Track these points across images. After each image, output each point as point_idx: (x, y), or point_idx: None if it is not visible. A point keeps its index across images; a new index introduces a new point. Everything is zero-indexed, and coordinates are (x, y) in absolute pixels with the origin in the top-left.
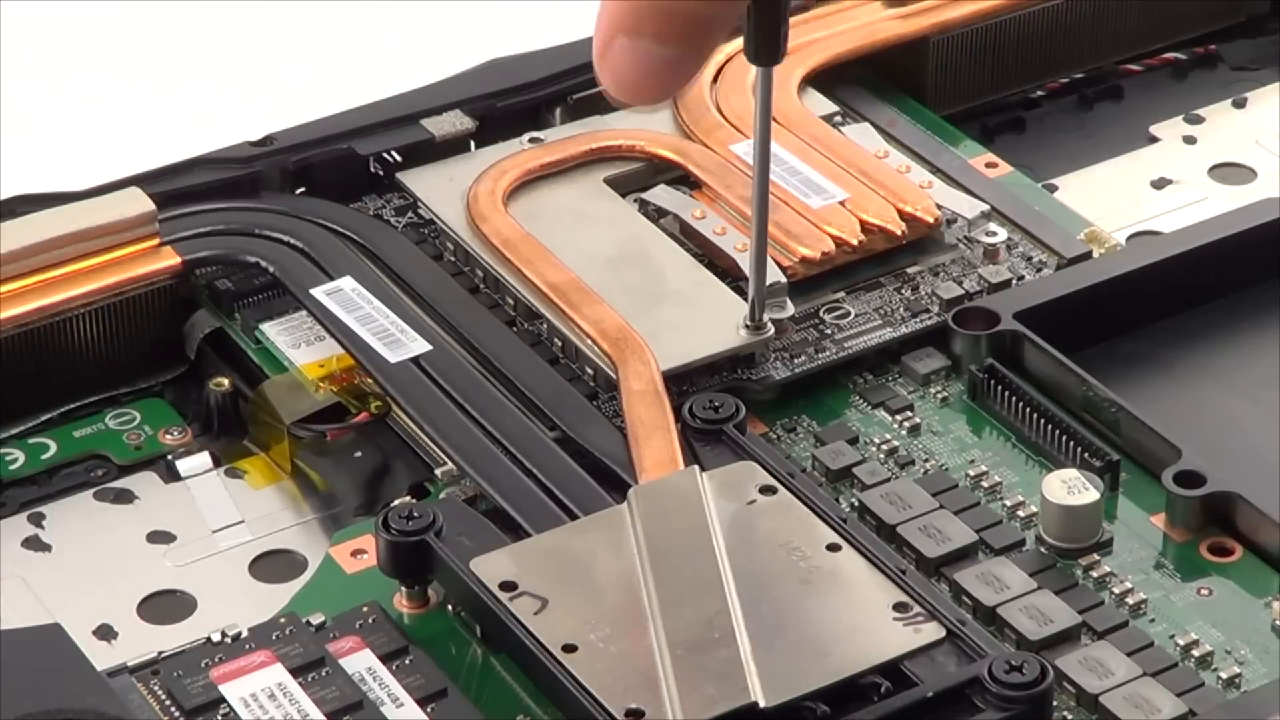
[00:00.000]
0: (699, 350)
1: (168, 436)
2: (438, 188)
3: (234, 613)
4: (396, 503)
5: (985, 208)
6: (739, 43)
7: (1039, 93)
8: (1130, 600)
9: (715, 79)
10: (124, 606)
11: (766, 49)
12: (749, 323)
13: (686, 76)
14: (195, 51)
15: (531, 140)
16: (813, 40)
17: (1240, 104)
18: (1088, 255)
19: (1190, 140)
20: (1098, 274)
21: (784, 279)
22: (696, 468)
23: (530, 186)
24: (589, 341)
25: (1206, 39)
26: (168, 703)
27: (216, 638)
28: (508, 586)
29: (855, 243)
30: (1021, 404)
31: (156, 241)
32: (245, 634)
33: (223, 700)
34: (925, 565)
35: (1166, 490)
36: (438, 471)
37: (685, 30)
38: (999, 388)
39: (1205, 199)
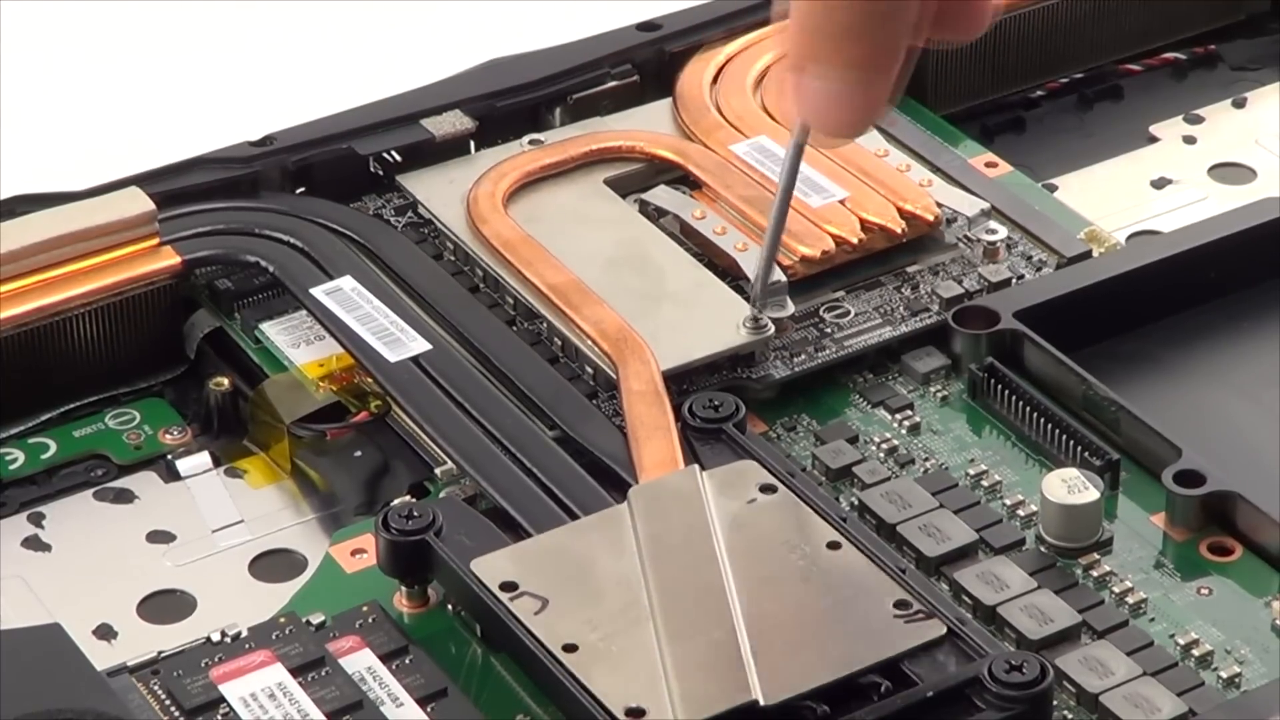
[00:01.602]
0: (699, 350)
1: (168, 436)
2: (438, 190)
3: (234, 612)
4: (396, 502)
5: (985, 205)
6: (739, 43)
7: (1039, 93)
8: (1130, 599)
9: (715, 79)
10: (124, 606)
11: None
12: (752, 305)
13: (877, 105)
14: (195, 51)
15: (531, 142)
16: None
17: (1240, 104)
18: (1088, 254)
19: (1190, 140)
20: (1098, 273)
21: (784, 278)
22: (696, 467)
23: (530, 188)
24: (589, 342)
25: (1206, 39)
26: (168, 703)
27: (216, 637)
28: (508, 587)
29: (855, 241)
30: (1021, 403)
31: (156, 241)
32: (245, 634)
33: (223, 700)
34: (925, 564)
35: (1166, 489)
36: (437, 471)
37: (863, 56)
38: (999, 387)
39: (1205, 199)
